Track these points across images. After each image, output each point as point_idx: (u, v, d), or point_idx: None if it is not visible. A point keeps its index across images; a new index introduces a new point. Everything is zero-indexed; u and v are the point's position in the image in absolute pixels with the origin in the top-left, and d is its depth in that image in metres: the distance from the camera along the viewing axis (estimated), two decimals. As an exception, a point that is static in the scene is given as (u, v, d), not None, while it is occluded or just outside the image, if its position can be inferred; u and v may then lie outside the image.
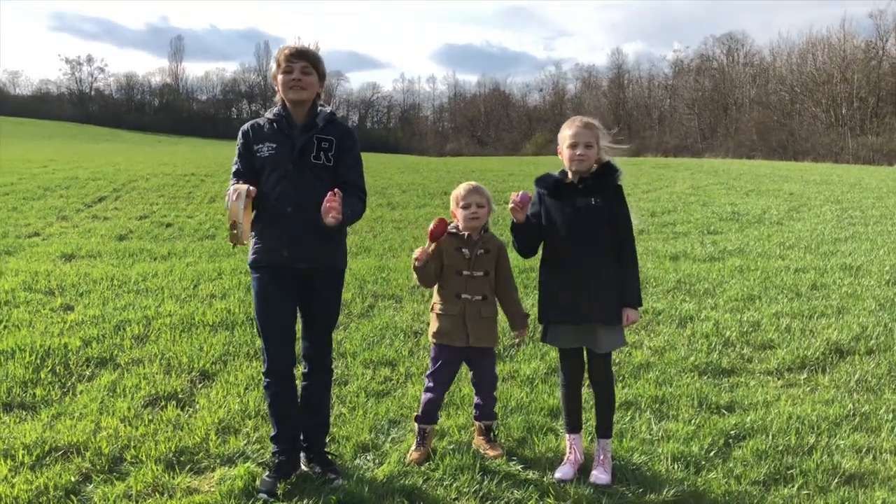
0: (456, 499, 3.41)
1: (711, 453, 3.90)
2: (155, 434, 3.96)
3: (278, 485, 3.42)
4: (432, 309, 3.94)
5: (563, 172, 3.79)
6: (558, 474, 3.65)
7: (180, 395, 4.58)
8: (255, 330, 4.19)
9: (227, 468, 3.63)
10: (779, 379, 5.15)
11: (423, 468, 3.65)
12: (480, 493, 3.43)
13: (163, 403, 4.42)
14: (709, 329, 6.19)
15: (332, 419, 4.24)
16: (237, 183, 3.52)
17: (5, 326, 5.87)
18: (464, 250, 3.85)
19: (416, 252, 3.72)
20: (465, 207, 3.85)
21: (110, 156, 30.97)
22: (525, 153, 56.43)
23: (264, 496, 3.35)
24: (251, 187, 3.34)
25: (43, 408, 4.32)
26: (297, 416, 3.64)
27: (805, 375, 5.19)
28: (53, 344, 5.33)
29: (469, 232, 3.86)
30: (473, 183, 3.93)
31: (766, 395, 4.77)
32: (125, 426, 4.05)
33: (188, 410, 4.38)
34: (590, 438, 3.95)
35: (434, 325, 3.90)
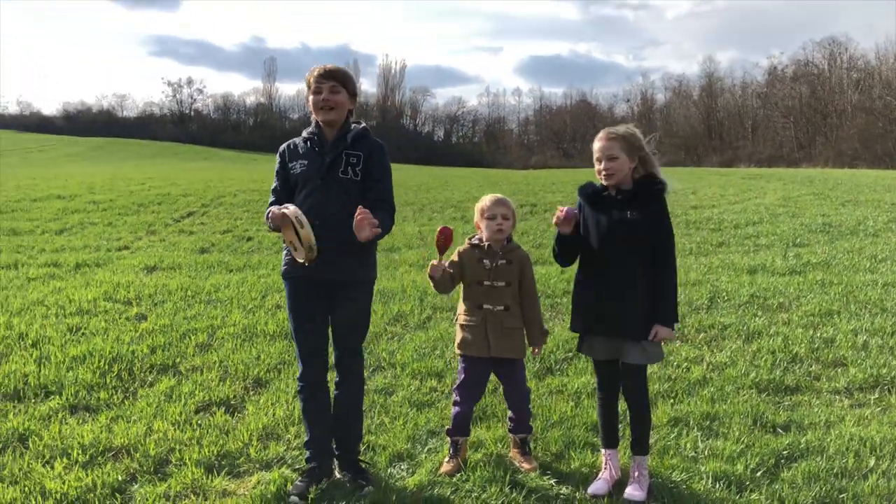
0: (482, 511, 3.39)
1: (758, 474, 3.73)
2: (201, 438, 4.10)
3: (309, 490, 3.49)
4: (456, 320, 3.94)
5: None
6: (591, 489, 3.57)
7: (232, 402, 4.74)
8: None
9: (264, 473, 3.73)
10: (847, 398, 4.87)
11: (454, 479, 3.64)
12: (507, 506, 3.39)
13: (213, 409, 4.58)
14: (777, 345, 5.92)
15: (371, 427, 4.31)
16: (275, 199, 3.67)
17: (83, 333, 6.23)
18: (485, 261, 3.84)
19: (429, 267, 3.77)
20: (490, 219, 3.84)
21: (205, 173, 32.38)
22: (611, 165, 55.40)
23: (295, 499, 3.42)
24: (294, 208, 3.41)
25: (104, 410, 4.55)
26: (328, 422, 3.71)
27: (877, 395, 4.89)
28: (122, 351, 5.62)
29: (493, 243, 3.84)
30: (499, 195, 3.92)
31: (830, 415, 4.52)
32: (175, 430, 4.22)
33: (237, 416, 4.52)
34: (627, 454, 3.84)
35: (458, 336, 3.91)
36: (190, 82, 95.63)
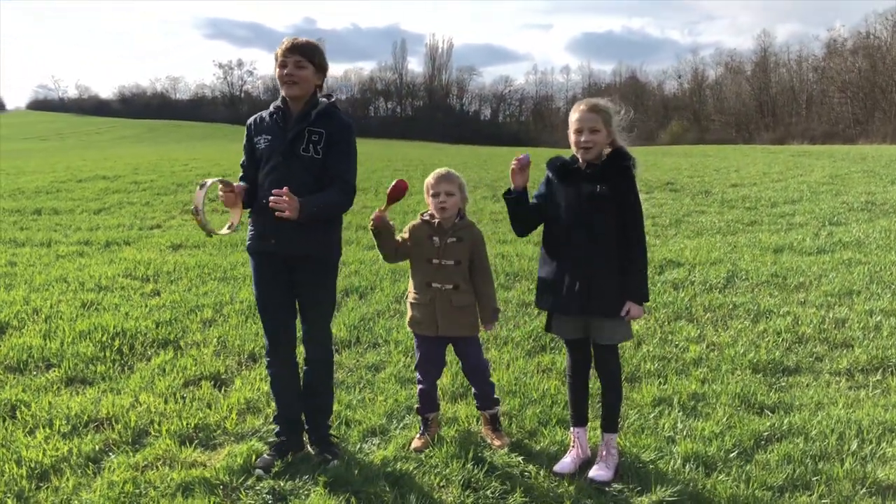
0: (441, 485, 3.39)
1: (732, 455, 3.64)
2: (182, 411, 4.19)
3: (275, 463, 3.54)
4: (407, 297, 3.91)
5: (574, 157, 3.64)
6: (557, 467, 3.54)
7: (223, 376, 4.83)
8: None
9: (236, 445, 3.80)
10: (847, 380, 4.72)
11: (422, 455, 3.65)
12: (466, 481, 3.38)
13: (202, 383, 4.67)
14: (784, 325, 5.76)
15: (351, 402, 4.34)
16: (243, 174, 3.71)
17: (95, 308, 6.41)
18: (434, 238, 3.78)
19: (372, 217, 3.71)
20: (434, 196, 3.77)
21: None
22: (660, 142, 54.41)
23: (259, 472, 3.48)
24: (217, 180, 3.46)
25: (99, 383, 4.69)
26: (297, 397, 3.75)
27: (878, 378, 4.72)
28: (127, 326, 5.76)
29: (440, 220, 3.79)
30: (444, 170, 3.83)
31: (823, 397, 4.39)
32: (160, 402, 4.32)
33: (224, 390, 4.60)
34: (598, 434, 3.79)
35: (408, 314, 3.89)
36: (241, 64, 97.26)
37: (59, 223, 12.09)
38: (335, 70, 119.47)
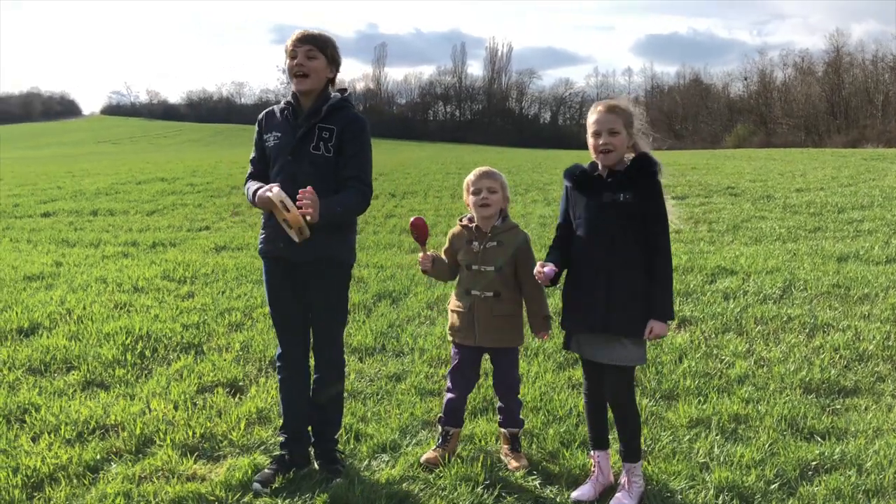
0: (447, 511, 3.14)
1: (773, 486, 3.29)
2: (191, 419, 4.05)
3: (275, 478, 3.36)
4: (449, 304, 3.69)
5: (594, 164, 3.34)
6: (575, 493, 3.25)
7: (240, 383, 4.69)
8: None
9: (240, 458, 3.63)
10: (912, 404, 4.27)
11: (430, 476, 3.41)
12: (474, 508, 3.13)
13: (217, 390, 4.53)
14: (844, 340, 5.31)
15: (366, 414, 4.14)
16: (253, 171, 3.53)
17: (127, 310, 6.39)
18: (473, 243, 3.55)
19: (419, 263, 3.65)
20: (475, 193, 3.55)
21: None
22: (725, 146, 52.88)
23: (258, 486, 3.30)
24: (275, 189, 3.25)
25: (116, 387, 4.60)
26: (304, 409, 3.56)
27: (948, 402, 4.26)
28: (154, 328, 5.69)
29: (481, 222, 3.55)
30: (486, 167, 3.62)
31: (883, 423, 3.97)
32: (171, 410, 4.19)
33: (238, 398, 4.46)
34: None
35: (449, 321, 3.67)
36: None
37: (112, 224, 12.30)
38: (396, 74, 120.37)
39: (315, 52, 3.38)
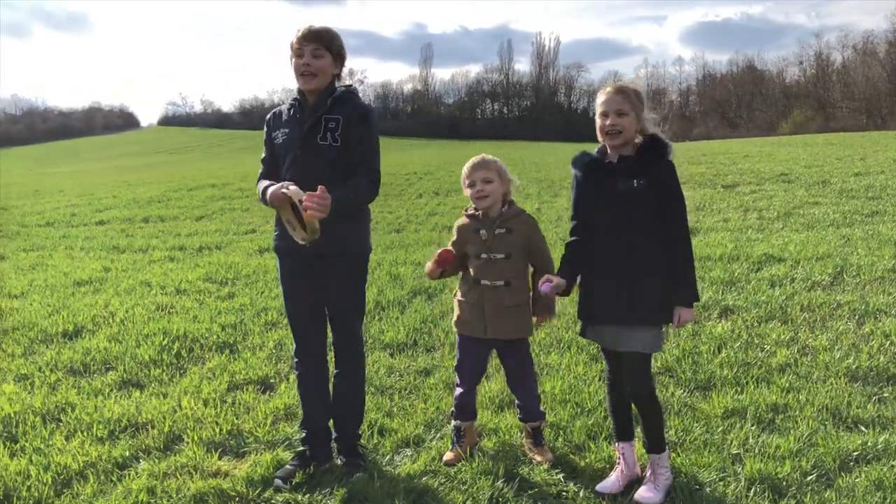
0: (466, 504, 3.08)
1: (809, 478, 3.13)
2: (219, 417, 4.09)
3: (296, 474, 3.35)
4: (455, 295, 3.62)
5: (603, 150, 3.24)
6: (600, 486, 3.16)
7: (270, 380, 4.71)
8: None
9: (264, 454, 3.63)
10: (967, 391, 4.03)
11: (452, 470, 3.36)
12: (494, 500, 3.06)
13: (247, 387, 4.56)
14: (895, 326, 5.05)
15: (392, 408, 4.11)
16: (264, 170, 3.54)
17: (168, 312, 6.51)
18: (481, 231, 3.47)
19: (427, 270, 3.60)
20: (470, 186, 3.48)
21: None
22: (781, 133, 51.35)
23: (278, 482, 3.30)
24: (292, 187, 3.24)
25: (150, 387, 4.67)
26: (324, 405, 3.54)
27: None
28: (192, 329, 5.78)
29: (483, 211, 3.48)
30: (481, 157, 3.52)
31: (933, 411, 3.75)
32: (201, 407, 4.23)
33: (267, 394, 4.48)
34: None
35: (455, 314, 3.59)
36: (351, 73, 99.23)
37: (162, 230, 12.59)
38: (443, 75, 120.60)
39: (321, 50, 3.36)
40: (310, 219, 3.07)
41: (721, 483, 3.13)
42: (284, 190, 3.18)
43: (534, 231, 3.51)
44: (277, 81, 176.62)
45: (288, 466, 3.41)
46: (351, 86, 3.54)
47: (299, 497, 3.19)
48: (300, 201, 3.10)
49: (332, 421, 3.59)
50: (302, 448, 3.53)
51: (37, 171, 49.17)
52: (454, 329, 3.63)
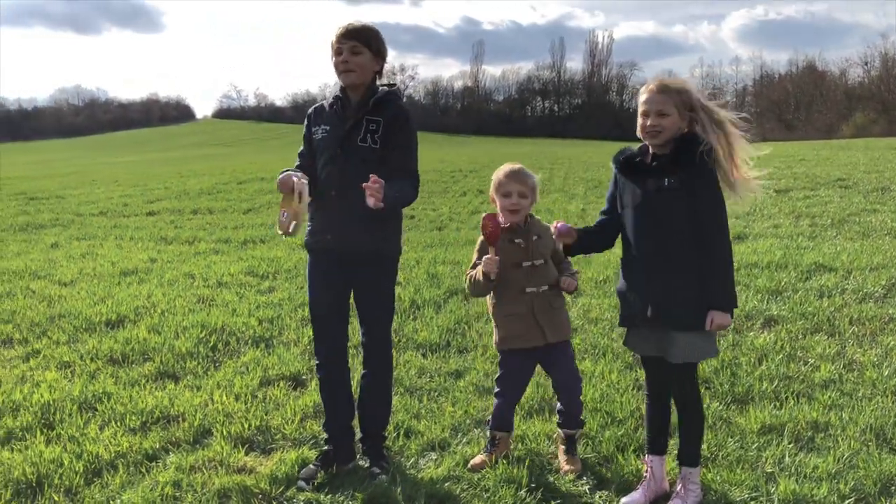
0: (487, 513, 3.04)
1: (847, 501, 3.00)
2: (249, 412, 4.11)
3: (318, 474, 3.35)
4: (493, 315, 3.53)
5: (645, 146, 3.15)
6: (625, 499, 3.08)
7: (302, 376, 4.73)
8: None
9: (290, 451, 3.64)
10: None
11: (475, 477, 3.31)
12: (515, 511, 3.01)
13: (280, 383, 4.58)
14: (951, 343, 4.83)
15: (420, 410, 4.09)
16: (300, 164, 3.55)
17: (208, 304, 6.60)
18: (517, 240, 3.41)
19: (485, 266, 3.28)
20: (504, 196, 3.41)
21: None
22: (842, 136, 49.75)
23: (301, 483, 3.30)
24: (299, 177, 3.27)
25: (185, 379, 4.74)
26: (347, 404, 3.55)
27: None
28: (230, 322, 5.85)
29: (511, 223, 3.41)
30: (516, 166, 3.45)
31: None
32: (233, 401, 4.27)
33: (298, 390, 4.50)
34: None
35: (502, 331, 3.48)
36: (403, 69, 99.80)
37: (210, 222, 12.81)
38: (493, 71, 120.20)
39: (360, 47, 3.37)
40: (298, 211, 3.15)
41: (753, 503, 3.02)
42: (295, 177, 3.20)
43: (552, 237, 3.44)
44: (330, 76, 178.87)
45: (311, 466, 3.42)
46: (394, 85, 3.54)
47: (321, 497, 3.19)
48: (299, 194, 3.15)
49: (356, 421, 3.59)
50: (325, 448, 3.53)
51: (99, 160, 50.59)
52: (500, 348, 3.52)
